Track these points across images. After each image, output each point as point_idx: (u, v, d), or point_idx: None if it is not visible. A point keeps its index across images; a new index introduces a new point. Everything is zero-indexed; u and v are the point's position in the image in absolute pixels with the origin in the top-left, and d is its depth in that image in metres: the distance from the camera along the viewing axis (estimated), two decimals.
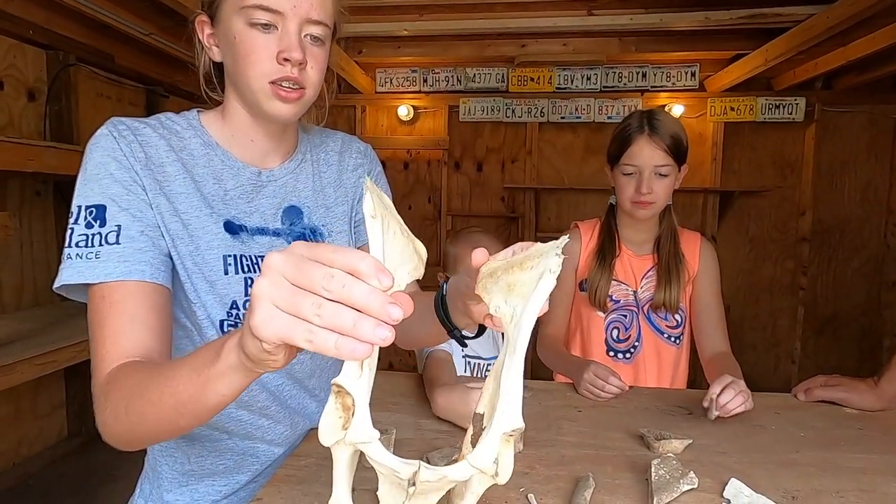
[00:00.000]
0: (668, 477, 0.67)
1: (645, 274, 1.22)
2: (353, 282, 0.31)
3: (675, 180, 1.16)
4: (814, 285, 3.48)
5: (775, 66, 2.78)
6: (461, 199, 3.69)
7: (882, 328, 3.43)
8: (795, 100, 3.29)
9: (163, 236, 0.63)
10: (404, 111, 3.55)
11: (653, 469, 0.68)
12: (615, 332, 1.23)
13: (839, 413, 0.95)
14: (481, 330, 0.60)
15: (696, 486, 0.67)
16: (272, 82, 0.63)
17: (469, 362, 1.42)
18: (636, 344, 1.22)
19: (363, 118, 3.64)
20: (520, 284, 0.38)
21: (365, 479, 0.64)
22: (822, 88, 3.32)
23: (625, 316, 1.22)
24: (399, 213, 0.95)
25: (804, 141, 3.40)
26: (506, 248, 0.46)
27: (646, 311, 1.21)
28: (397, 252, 0.38)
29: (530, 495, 0.66)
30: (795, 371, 3.49)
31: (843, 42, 2.62)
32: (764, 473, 0.71)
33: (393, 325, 0.32)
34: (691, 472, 0.68)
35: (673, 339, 1.22)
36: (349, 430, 0.34)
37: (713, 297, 1.21)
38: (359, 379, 0.34)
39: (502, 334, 0.40)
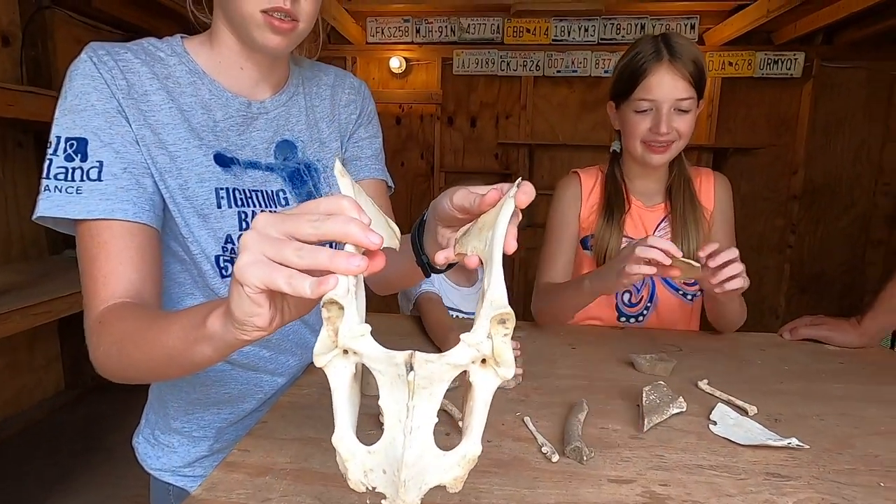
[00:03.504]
0: (658, 401, 0.70)
1: (657, 226, 1.08)
2: (334, 217, 0.34)
3: (694, 118, 1.00)
4: (801, 243, 3.54)
5: (777, 17, 2.72)
6: (454, 156, 3.64)
7: (864, 286, 3.52)
8: (794, 55, 3.24)
9: (149, 171, 0.61)
10: (396, 63, 3.44)
11: (644, 395, 0.71)
12: (626, 296, 1.10)
13: (822, 350, 0.99)
14: (450, 265, 0.60)
15: (684, 409, 0.70)
16: (264, 11, 0.60)
17: (450, 314, 1.45)
18: (648, 304, 1.09)
19: (354, 70, 3.53)
20: (488, 221, 0.41)
21: (367, 405, 0.67)
22: (822, 43, 3.27)
23: None
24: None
25: (800, 98, 3.37)
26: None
27: None
28: (371, 217, 0.39)
29: (526, 418, 0.68)
30: (778, 326, 3.59)
31: None
32: (749, 400, 0.74)
33: (377, 251, 0.34)
34: (680, 397, 0.71)
35: (690, 296, 1.09)
36: (339, 331, 0.34)
37: (725, 237, 1.07)
38: (346, 296, 0.34)
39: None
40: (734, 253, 0.81)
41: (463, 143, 3.64)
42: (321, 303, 0.34)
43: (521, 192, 0.38)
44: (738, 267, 0.81)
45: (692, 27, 3.28)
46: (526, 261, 3.56)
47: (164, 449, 0.74)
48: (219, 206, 0.65)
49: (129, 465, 0.78)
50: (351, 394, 0.36)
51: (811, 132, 3.38)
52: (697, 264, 0.80)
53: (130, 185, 0.58)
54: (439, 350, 0.86)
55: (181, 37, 0.69)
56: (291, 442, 0.62)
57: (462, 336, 0.34)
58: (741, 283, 0.81)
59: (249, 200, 0.68)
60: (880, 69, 3.27)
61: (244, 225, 0.67)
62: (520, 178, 0.41)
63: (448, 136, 3.63)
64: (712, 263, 0.81)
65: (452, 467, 0.35)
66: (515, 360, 0.81)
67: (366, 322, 0.38)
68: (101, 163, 0.57)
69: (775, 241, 3.57)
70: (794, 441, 0.62)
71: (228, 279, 0.67)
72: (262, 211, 0.69)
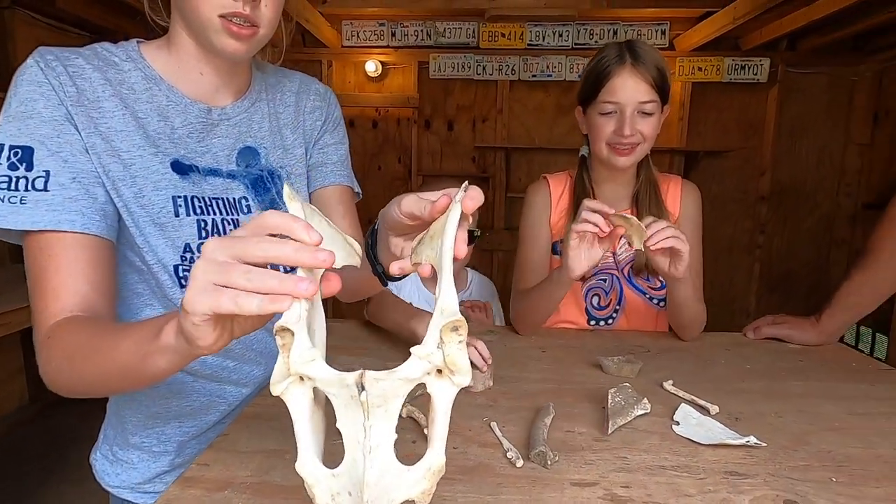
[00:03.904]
0: (623, 403, 0.71)
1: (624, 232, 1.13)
2: (283, 241, 0.34)
3: (658, 122, 1.02)
4: (770, 244, 3.64)
5: (743, 24, 2.79)
6: (432, 159, 3.64)
7: (829, 284, 3.63)
8: (760, 60, 3.34)
9: (100, 181, 0.59)
10: (372, 67, 3.43)
11: (609, 397, 0.72)
12: (595, 300, 1.11)
13: (783, 348, 1.02)
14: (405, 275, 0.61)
15: (648, 411, 0.71)
16: (222, 16, 0.59)
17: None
18: (617, 308, 1.11)
19: (329, 74, 3.51)
20: (438, 229, 0.42)
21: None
22: (786, 49, 3.38)
23: (604, 280, 1.10)
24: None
25: (767, 102, 3.47)
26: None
27: (626, 274, 1.10)
28: (327, 237, 0.40)
29: (493, 423, 0.68)
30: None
31: (807, 1, 2.65)
32: (712, 400, 0.75)
33: (331, 271, 0.35)
34: (644, 398, 0.72)
35: (657, 301, 1.10)
36: (290, 358, 0.34)
37: (692, 244, 1.06)
38: (298, 322, 0.34)
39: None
40: (663, 222, 0.87)
41: (440, 146, 3.64)
42: (273, 331, 0.34)
43: (468, 198, 0.39)
44: (671, 230, 0.85)
45: (663, 33, 3.35)
46: (505, 263, 3.57)
47: (122, 465, 0.72)
48: (176, 215, 0.64)
49: (92, 481, 0.75)
50: (312, 418, 0.36)
51: (777, 136, 3.48)
52: (636, 219, 0.85)
53: (79, 195, 0.57)
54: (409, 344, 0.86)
55: (137, 41, 0.67)
56: (253, 454, 0.60)
57: (412, 349, 0.34)
58: (676, 242, 0.85)
59: (209, 208, 0.67)
60: (840, 75, 3.39)
61: (203, 234, 0.66)
62: (466, 182, 0.41)
63: (425, 139, 3.62)
64: (648, 242, 0.85)
65: (419, 481, 0.35)
66: (485, 370, 0.81)
67: (327, 338, 0.37)
68: (47, 172, 0.55)
69: (745, 242, 3.66)
70: (753, 439, 0.64)
71: None
72: (223, 219, 0.68)
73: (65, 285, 0.54)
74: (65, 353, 0.50)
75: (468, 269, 1.46)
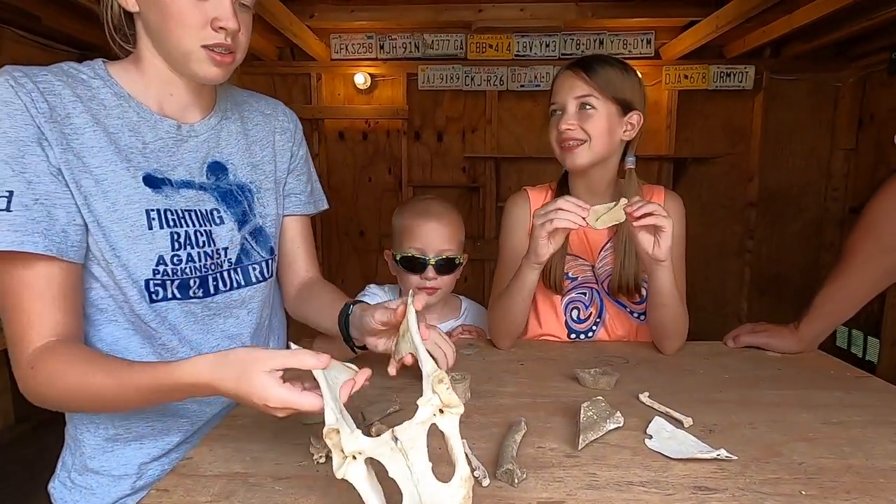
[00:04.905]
0: (595, 417, 0.70)
1: (603, 246, 1.10)
2: None
3: (621, 125, 1.02)
4: (759, 248, 3.66)
5: (726, 33, 2.83)
6: (422, 170, 3.65)
7: (818, 287, 3.64)
8: (745, 68, 3.37)
9: (62, 202, 0.59)
10: (361, 79, 3.45)
11: (582, 411, 0.71)
12: (575, 313, 1.11)
13: (761, 356, 1.02)
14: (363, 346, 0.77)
15: (621, 424, 0.71)
16: (205, 46, 0.62)
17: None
18: (598, 321, 1.11)
19: (319, 86, 3.52)
20: (405, 329, 0.65)
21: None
22: (770, 56, 3.42)
23: (584, 293, 1.10)
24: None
25: (753, 109, 3.51)
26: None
27: (606, 287, 1.09)
28: (334, 365, 0.58)
29: (463, 441, 0.67)
30: None
31: (789, 9, 2.69)
32: (688, 411, 0.75)
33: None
34: (618, 412, 0.72)
35: (637, 314, 1.10)
36: (343, 446, 0.45)
37: (675, 256, 1.03)
38: (338, 422, 0.47)
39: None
40: (643, 200, 0.90)
41: (430, 157, 3.65)
42: (324, 435, 0.46)
43: (417, 301, 0.62)
44: (652, 206, 0.88)
45: (648, 42, 3.39)
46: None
47: (81, 492, 0.71)
48: (150, 228, 0.65)
49: None
50: (371, 483, 0.47)
51: (764, 141, 3.51)
52: (615, 205, 0.89)
53: (41, 217, 0.57)
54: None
55: (103, 60, 0.68)
56: (216, 479, 0.59)
57: (418, 401, 0.48)
58: (661, 220, 0.88)
59: (182, 221, 0.68)
60: (824, 81, 3.43)
61: (177, 245, 0.67)
62: (411, 291, 0.65)
63: (415, 150, 3.64)
64: (629, 209, 0.89)
65: (458, 490, 0.47)
66: (464, 378, 0.81)
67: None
68: (10, 193, 0.56)
69: (735, 246, 3.67)
70: (723, 452, 0.63)
71: (157, 304, 0.67)
72: (195, 230, 0.69)
73: (40, 314, 0.57)
74: (58, 384, 0.56)
75: (461, 297, 1.36)
